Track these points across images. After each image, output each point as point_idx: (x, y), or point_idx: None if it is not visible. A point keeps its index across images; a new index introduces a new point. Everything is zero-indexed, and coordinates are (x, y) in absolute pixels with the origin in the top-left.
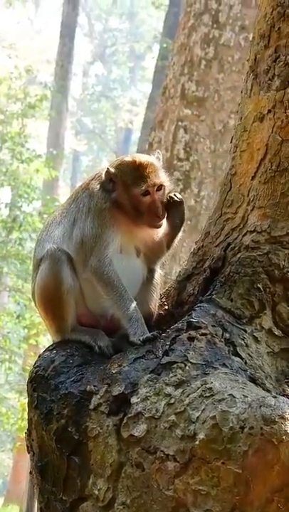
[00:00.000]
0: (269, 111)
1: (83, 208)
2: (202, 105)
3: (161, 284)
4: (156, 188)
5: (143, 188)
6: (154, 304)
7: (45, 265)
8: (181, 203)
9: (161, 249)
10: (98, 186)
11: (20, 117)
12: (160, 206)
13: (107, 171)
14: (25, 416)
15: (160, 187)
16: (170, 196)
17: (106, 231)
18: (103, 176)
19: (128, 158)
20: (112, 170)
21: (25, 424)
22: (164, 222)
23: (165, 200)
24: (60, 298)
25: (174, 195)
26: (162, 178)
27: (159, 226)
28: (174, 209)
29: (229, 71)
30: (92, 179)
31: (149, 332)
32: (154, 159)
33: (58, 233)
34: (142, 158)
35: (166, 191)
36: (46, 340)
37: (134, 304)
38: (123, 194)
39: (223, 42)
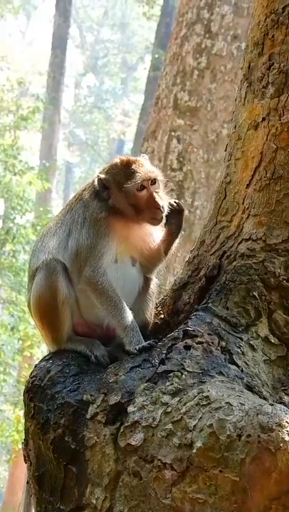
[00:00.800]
0: (263, 119)
1: (78, 219)
2: (195, 115)
3: (156, 293)
4: (150, 181)
5: (138, 181)
6: (150, 313)
7: (40, 275)
8: (181, 211)
9: (157, 256)
10: (92, 196)
11: (12, 129)
12: (158, 197)
13: (99, 179)
14: (20, 428)
15: (154, 180)
16: (170, 203)
17: (101, 241)
18: (96, 184)
19: (115, 161)
20: (104, 176)
21: (20, 436)
22: (162, 227)
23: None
24: (55, 308)
25: (175, 202)
26: (154, 171)
27: (161, 220)
28: (172, 216)
29: (222, 81)
30: (84, 189)
31: (145, 341)
32: (141, 158)
33: (53, 244)
34: (129, 157)
35: (161, 184)
36: (40, 352)
37: (129, 313)
38: (119, 196)
39: (215, 51)
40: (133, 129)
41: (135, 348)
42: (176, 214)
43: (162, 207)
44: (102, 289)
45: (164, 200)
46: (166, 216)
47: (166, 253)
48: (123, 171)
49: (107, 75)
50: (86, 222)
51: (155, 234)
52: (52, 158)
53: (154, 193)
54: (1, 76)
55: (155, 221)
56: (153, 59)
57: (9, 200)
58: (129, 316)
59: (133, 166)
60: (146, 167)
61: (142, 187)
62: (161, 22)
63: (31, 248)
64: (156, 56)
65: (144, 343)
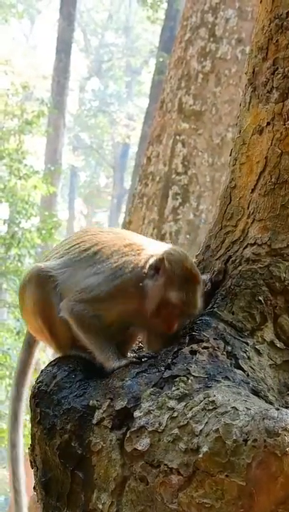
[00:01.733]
0: (268, 123)
1: (119, 271)
2: (200, 119)
3: None
4: (185, 313)
5: (179, 307)
6: None
7: (31, 287)
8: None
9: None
10: (142, 265)
11: (17, 134)
12: (177, 324)
13: (161, 261)
14: (27, 432)
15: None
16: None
17: (110, 302)
18: (155, 260)
19: (187, 265)
20: (166, 263)
21: (26, 440)
22: None
23: None
24: (53, 316)
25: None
26: (197, 308)
27: (162, 333)
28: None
29: (226, 84)
30: (149, 246)
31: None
32: (202, 282)
33: (80, 276)
34: (198, 276)
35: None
36: (46, 356)
37: (113, 348)
38: (157, 289)
39: (219, 55)
40: (138, 133)
41: (113, 366)
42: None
43: (172, 331)
44: (89, 329)
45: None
46: None
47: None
48: (182, 282)
49: (112, 79)
50: (119, 280)
51: None
52: (57, 162)
53: (177, 320)
54: (5, 80)
55: (157, 330)
56: (157, 62)
57: (14, 205)
58: (111, 347)
59: (191, 288)
60: (196, 299)
61: (176, 308)
62: (166, 26)
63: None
64: (161, 60)
65: (125, 360)
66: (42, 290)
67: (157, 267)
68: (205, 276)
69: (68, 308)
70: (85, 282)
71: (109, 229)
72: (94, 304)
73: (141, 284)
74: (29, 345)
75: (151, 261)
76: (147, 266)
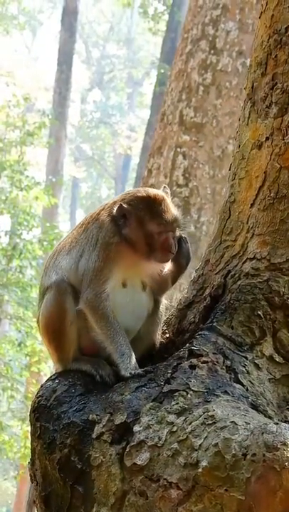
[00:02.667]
0: (267, 138)
1: (92, 240)
2: (200, 131)
3: (164, 313)
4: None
5: (160, 227)
6: (158, 335)
7: (50, 296)
8: (187, 248)
9: (166, 283)
10: (108, 219)
11: (19, 145)
12: (173, 242)
13: (120, 207)
14: (28, 444)
15: (175, 226)
16: (182, 238)
17: (108, 266)
18: (115, 210)
19: (142, 194)
20: (125, 206)
21: (28, 451)
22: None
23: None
24: (63, 329)
25: (183, 238)
26: (177, 216)
27: (169, 260)
28: (180, 250)
29: (227, 96)
30: (102, 209)
31: (150, 364)
32: (165, 194)
33: (66, 264)
34: (156, 194)
35: (178, 227)
36: (48, 367)
37: (127, 341)
38: (136, 230)
39: (220, 67)
40: (139, 144)
41: (130, 373)
42: (183, 248)
43: (174, 250)
44: (103, 314)
45: (176, 239)
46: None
47: (173, 283)
48: (148, 209)
49: (113, 90)
50: (98, 245)
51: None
52: (58, 174)
53: (170, 237)
54: (6, 92)
55: (164, 261)
56: (159, 74)
57: (16, 216)
58: (127, 343)
59: (159, 208)
60: (170, 211)
61: (162, 231)
62: (167, 37)
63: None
64: (162, 71)
65: (139, 370)
66: (57, 296)
67: (123, 214)
68: (166, 190)
69: (83, 299)
70: (79, 269)
71: None
72: (98, 277)
73: (121, 236)
74: None
75: (114, 212)
76: (113, 218)
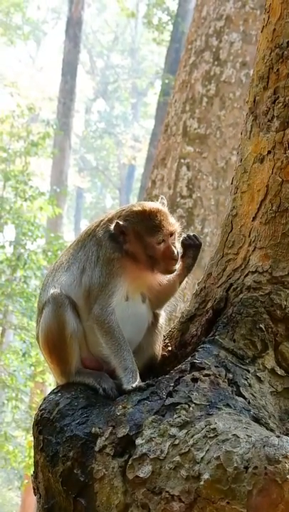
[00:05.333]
0: (269, 152)
1: (92, 257)
2: (204, 142)
3: (165, 326)
4: (170, 235)
5: (159, 237)
6: (159, 347)
7: (48, 309)
8: (199, 245)
9: (169, 290)
10: (106, 236)
11: (23, 155)
12: (175, 250)
13: (117, 225)
14: (33, 454)
15: (173, 233)
16: (189, 237)
17: (113, 281)
18: (112, 228)
19: (137, 208)
20: (122, 222)
21: (32, 461)
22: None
23: (182, 240)
24: (63, 341)
25: (194, 236)
26: (174, 224)
27: (174, 270)
28: (189, 250)
29: (231, 108)
30: (98, 226)
31: (150, 375)
32: (160, 205)
33: (66, 280)
34: (151, 206)
35: (177, 234)
36: (52, 377)
37: (131, 356)
38: (136, 245)
39: (224, 79)
40: (144, 154)
41: (132, 386)
42: (193, 248)
43: (177, 258)
44: (109, 328)
45: (179, 246)
46: (184, 249)
47: (180, 283)
48: (144, 223)
49: (118, 101)
50: (99, 261)
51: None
52: (63, 184)
53: (171, 245)
54: (11, 102)
55: (169, 271)
56: (163, 84)
57: (20, 226)
58: (131, 358)
59: (155, 220)
60: (167, 220)
61: (162, 241)
62: (171, 47)
63: (43, 274)
64: (166, 81)
65: (141, 383)
66: (55, 309)
67: (121, 231)
68: (164, 201)
69: (92, 314)
70: (83, 286)
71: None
72: (104, 292)
73: (121, 252)
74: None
75: (112, 230)
76: (111, 235)
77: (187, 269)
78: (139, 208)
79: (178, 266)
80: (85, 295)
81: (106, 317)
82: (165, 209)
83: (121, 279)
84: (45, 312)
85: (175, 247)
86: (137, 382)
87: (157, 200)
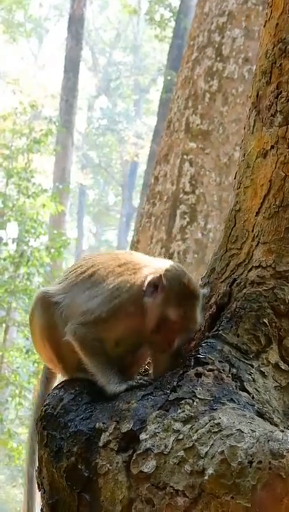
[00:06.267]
0: (272, 147)
1: (116, 291)
2: (207, 138)
3: None
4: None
5: (179, 323)
6: None
7: (38, 312)
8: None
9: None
10: (139, 283)
11: (25, 152)
12: (174, 345)
13: (159, 279)
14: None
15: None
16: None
17: (113, 322)
18: (152, 277)
19: (184, 281)
20: (164, 280)
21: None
22: None
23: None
24: (59, 342)
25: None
26: (197, 323)
27: (161, 353)
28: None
29: (233, 103)
30: (145, 266)
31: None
32: (201, 295)
33: (79, 301)
34: (195, 290)
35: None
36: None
37: (116, 372)
38: (155, 306)
39: (226, 75)
40: (146, 151)
41: (118, 389)
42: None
43: (169, 351)
44: (92, 351)
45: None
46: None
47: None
48: (180, 299)
49: (120, 97)
50: (117, 300)
51: None
52: (65, 181)
53: (177, 339)
54: (13, 99)
55: (155, 349)
56: (165, 81)
57: (23, 223)
58: (116, 374)
59: (188, 304)
60: (195, 313)
61: (176, 325)
62: (174, 44)
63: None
64: (169, 78)
65: (125, 384)
66: (47, 314)
67: (156, 285)
68: (205, 290)
69: (71, 332)
70: (85, 305)
71: (107, 251)
72: (96, 325)
73: (140, 303)
74: (47, 380)
75: (149, 278)
76: (146, 284)
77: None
78: (186, 282)
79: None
80: (79, 311)
81: (89, 341)
82: (201, 302)
83: (120, 328)
84: (36, 314)
85: (178, 342)
86: (123, 383)
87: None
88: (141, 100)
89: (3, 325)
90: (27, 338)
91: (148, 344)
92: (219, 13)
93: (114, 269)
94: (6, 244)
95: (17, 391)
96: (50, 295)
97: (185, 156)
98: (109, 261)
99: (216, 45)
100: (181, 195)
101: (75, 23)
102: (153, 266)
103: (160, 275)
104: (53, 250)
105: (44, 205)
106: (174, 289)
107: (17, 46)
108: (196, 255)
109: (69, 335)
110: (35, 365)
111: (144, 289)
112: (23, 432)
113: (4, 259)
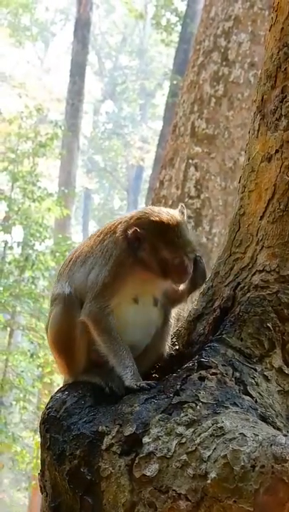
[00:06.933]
0: (276, 151)
1: (106, 254)
2: (212, 143)
3: (174, 324)
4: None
5: (174, 253)
6: (167, 347)
7: (58, 309)
8: (203, 267)
9: (180, 298)
10: (123, 238)
11: (31, 156)
12: (188, 264)
13: (135, 232)
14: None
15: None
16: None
17: (118, 283)
18: (129, 233)
19: (155, 218)
20: (140, 230)
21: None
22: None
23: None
24: (72, 343)
25: (198, 258)
26: (193, 242)
27: (185, 281)
28: (196, 269)
29: (239, 108)
30: (119, 223)
31: (153, 378)
32: (179, 217)
33: (80, 276)
34: (170, 219)
35: (194, 249)
36: (60, 378)
37: (130, 355)
38: (150, 255)
39: (232, 79)
40: (152, 155)
41: (136, 384)
42: (199, 268)
43: (190, 272)
44: (105, 328)
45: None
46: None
47: (187, 296)
48: (162, 235)
49: (126, 102)
50: (111, 260)
51: None
52: (71, 185)
53: (186, 261)
54: (19, 103)
55: (179, 283)
56: (171, 85)
57: (28, 227)
58: (130, 357)
59: (172, 234)
60: (184, 236)
61: (177, 257)
62: (180, 48)
63: (51, 275)
64: (175, 82)
65: (143, 383)
66: (65, 311)
67: (137, 238)
68: (180, 208)
69: (86, 311)
70: (88, 280)
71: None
72: (106, 293)
73: (131, 253)
74: None
75: (129, 236)
76: (129, 241)
77: (195, 286)
78: (158, 219)
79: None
80: (86, 290)
81: (103, 317)
82: (184, 221)
83: (128, 283)
84: (54, 311)
85: (189, 260)
86: (141, 381)
87: (176, 207)
88: (147, 104)
89: (8, 328)
90: (32, 342)
91: (169, 282)
92: (225, 18)
93: (95, 240)
94: (11, 248)
95: (21, 395)
96: (57, 293)
97: (190, 161)
98: (87, 240)
99: (222, 50)
100: (186, 200)
101: (81, 27)
102: (125, 220)
103: (134, 229)
104: (58, 254)
105: (49, 209)
106: (152, 231)
107: (23, 50)
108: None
109: (83, 315)
110: (40, 369)
111: (130, 246)
112: (27, 436)
113: (9, 263)
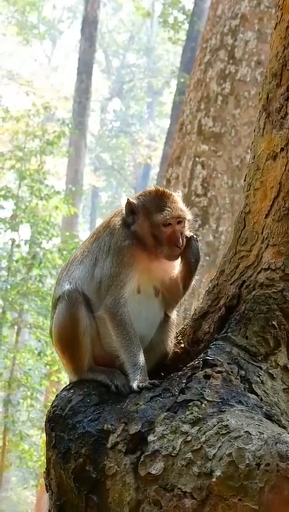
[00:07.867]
0: (282, 149)
1: (104, 247)
2: (219, 141)
3: (177, 322)
4: (177, 220)
5: (166, 217)
6: (170, 343)
7: (62, 306)
8: (196, 246)
9: (178, 289)
10: (119, 223)
11: (38, 154)
12: (180, 237)
13: (128, 202)
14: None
15: (182, 220)
16: (188, 237)
17: (124, 270)
18: (124, 208)
19: (150, 188)
20: (133, 200)
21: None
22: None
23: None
24: (76, 339)
25: (193, 237)
26: (184, 211)
27: (178, 257)
28: (189, 248)
29: (246, 106)
30: (113, 216)
31: (154, 379)
32: (175, 193)
33: (80, 273)
34: (164, 189)
35: (187, 225)
36: (67, 376)
37: (141, 352)
38: (144, 223)
39: (239, 77)
40: (159, 153)
41: (138, 386)
42: (191, 245)
43: (182, 245)
44: (121, 321)
45: (185, 236)
46: (186, 248)
47: (185, 288)
48: (155, 202)
49: (133, 100)
50: (110, 251)
51: (177, 266)
52: (78, 183)
53: (178, 231)
54: (26, 101)
55: (172, 257)
56: (178, 83)
57: (35, 225)
58: (141, 354)
59: (166, 200)
60: (178, 205)
61: (168, 223)
62: (187, 46)
63: (58, 273)
64: (182, 80)
65: (148, 384)
66: (69, 307)
67: (131, 210)
68: (179, 192)
69: (103, 305)
70: (96, 279)
71: None
72: (116, 283)
73: (131, 235)
74: None
75: (123, 212)
76: (124, 214)
77: (190, 268)
78: (152, 188)
79: (179, 262)
80: (96, 287)
81: (118, 309)
82: (179, 197)
83: (132, 269)
84: (58, 309)
85: (181, 234)
86: (145, 381)
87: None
88: (154, 102)
89: (15, 327)
90: (39, 340)
91: (162, 257)
92: (232, 16)
93: (89, 241)
94: (18, 246)
95: (28, 393)
96: (58, 295)
97: (197, 159)
98: (84, 240)
99: (229, 48)
100: (193, 198)
101: (89, 25)
102: (118, 210)
103: (127, 199)
104: (65, 252)
105: (57, 207)
106: (146, 200)
107: (30, 48)
108: (207, 258)
109: (102, 309)
110: (47, 367)
111: (126, 220)
112: (35, 434)
113: (16, 261)
